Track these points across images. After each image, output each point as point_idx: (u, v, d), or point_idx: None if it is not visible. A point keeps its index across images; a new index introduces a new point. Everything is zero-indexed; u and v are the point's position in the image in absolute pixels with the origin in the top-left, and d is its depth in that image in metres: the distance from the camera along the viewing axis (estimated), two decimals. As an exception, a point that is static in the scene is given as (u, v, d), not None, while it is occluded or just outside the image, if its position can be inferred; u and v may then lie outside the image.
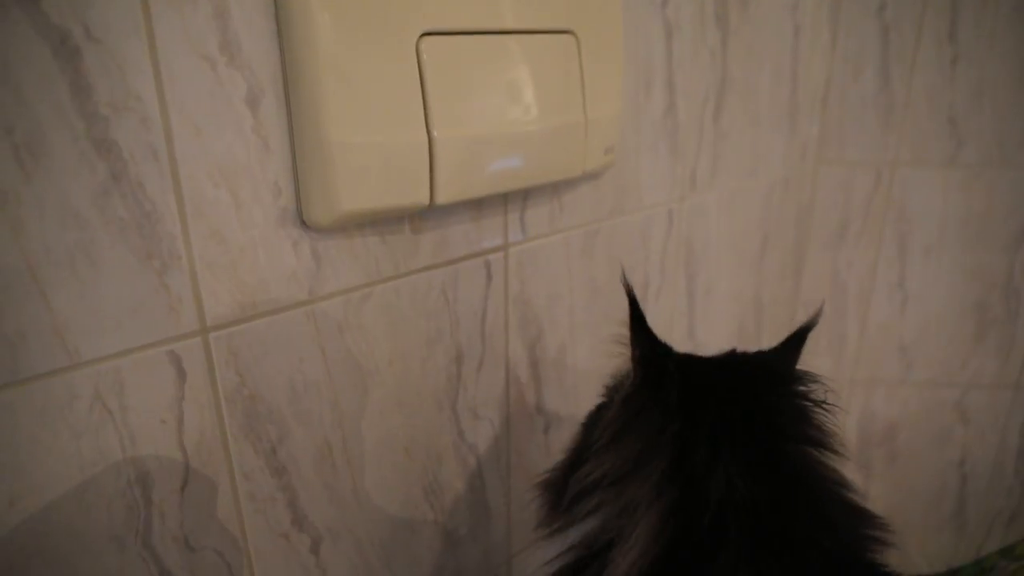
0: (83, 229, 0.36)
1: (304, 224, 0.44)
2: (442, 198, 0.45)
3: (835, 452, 0.46)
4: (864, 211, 1.01)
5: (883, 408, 1.13)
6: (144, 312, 0.39)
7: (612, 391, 0.51)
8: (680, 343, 0.78)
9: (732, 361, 0.50)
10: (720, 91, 0.74)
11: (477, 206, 0.53)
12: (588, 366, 0.68)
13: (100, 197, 0.36)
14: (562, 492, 0.48)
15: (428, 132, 0.43)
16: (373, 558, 0.55)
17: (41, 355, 0.36)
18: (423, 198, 0.45)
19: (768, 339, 1.01)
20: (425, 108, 0.43)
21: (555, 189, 0.58)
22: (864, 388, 1.12)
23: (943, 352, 1.09)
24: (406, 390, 0.53)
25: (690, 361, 0.49)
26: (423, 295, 0.52)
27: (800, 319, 1.08)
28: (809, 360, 1.07)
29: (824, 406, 0.47)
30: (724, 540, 0.40)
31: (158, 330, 0.39)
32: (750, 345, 0.96)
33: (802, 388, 0.47)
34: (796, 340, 0.49)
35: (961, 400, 1.12)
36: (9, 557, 0.37)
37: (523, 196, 0.56)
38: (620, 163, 0.64)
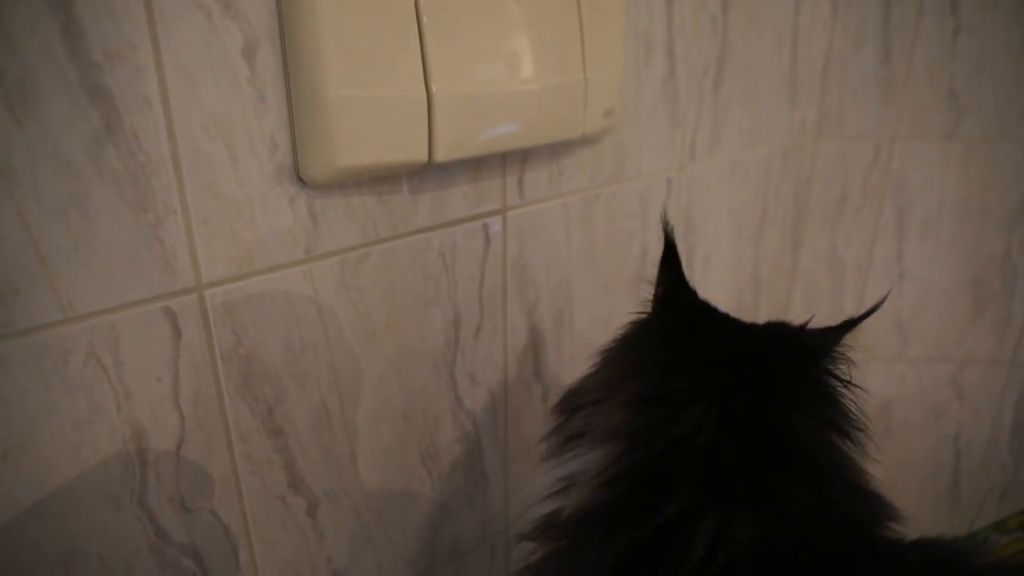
0: (76, 179, 0.35)
1: (301, 181, 0.43)
2: (440, 155, 0.45)
3: (850, 437, 0.43)
4: (863, 186, 1.00)
5: (879, 384, 1.13)
6: (139, 267, 0.38)
7: None
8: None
9: (766, 327, 0.48)
10: (720, 61, 0.73)
11: (475, 168, 0.52)
12: (587, 334, 0.68)
13: (93, 147, 0.35)
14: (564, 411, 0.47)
15: (427, 88, 0.43)
16: (370, 522, 0.55)
17: (35, 308, 0.35)
18: (421, 155, 0.44)
19: (766, 314, 1.00)
20: (424, 64, 0.43)
21: (553, 153, 0.58)
22: (861, 363, 1.12)
23: (939, 328, 1.09)
24: (404, 353, 0.53)
25: (714, 312, 0.48)
26: (421, 257, 0.51)
27: (798, 294, 1.08)
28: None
29: (850, 386, 0.45)
30: (684, 477, 0.38)
31: (153, 286, 0.39)
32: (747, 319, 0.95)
33: (829, 365, 0.45)
34: (847, 325, 0.47)
35: (957, 376, 1.12)
36: (2, 511, 0.36)
37: (521, 159, 0.55)
38: (619, 129, 0.63)
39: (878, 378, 1.12)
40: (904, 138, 0.97)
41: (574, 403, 0.46)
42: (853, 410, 0.44)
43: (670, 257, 0.45)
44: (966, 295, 1.06)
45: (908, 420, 1.15)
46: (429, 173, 0.49)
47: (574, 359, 0.67)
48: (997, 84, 0.93)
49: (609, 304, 0.69)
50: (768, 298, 0.99)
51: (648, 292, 0.48)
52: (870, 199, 1.01)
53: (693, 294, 0.47)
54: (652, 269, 0.73)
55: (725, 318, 0.48)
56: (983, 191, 0.99)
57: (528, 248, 0.59)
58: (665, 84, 0.67)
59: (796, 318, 0.99)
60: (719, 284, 0.87)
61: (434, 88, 0.43)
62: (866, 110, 0.96)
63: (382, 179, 0.47)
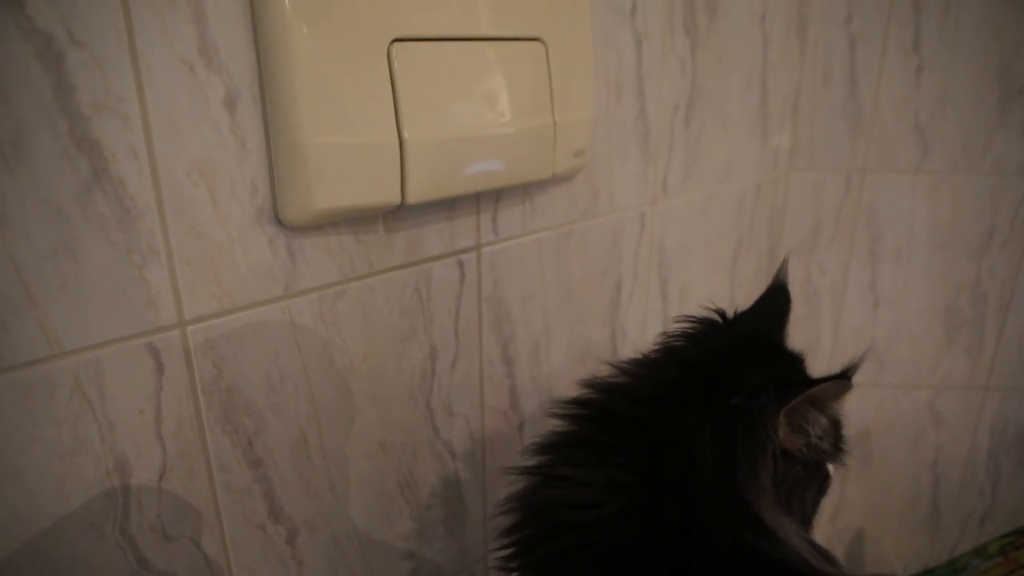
0: (65, 224, 0.37)
1: (279, 222, 0.45)
2: (413, 198, 0.47)
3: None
4: (835, 217, 1.03)
5: (857, 411, 1.15)
6: (124, 305, 0.40)
7: None
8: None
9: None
10: (690, 98, 0.76)
11: (449, 207, 0.55)
12: (562, 366, 0.70)
13: (82, 193, 0.37)
14: None
15: (399, 134, 0.45)
16: (349, 551, 0.57)
17: (23, 344, 0.37)
18: (394, 198, 0.47)
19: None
20: (396, 111, 0.45)
21: (526, 191, 0.60)
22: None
23: (915, 355, 1.11)
24: (381, 385, 0.54)
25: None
26: (397, 293, 0.53)
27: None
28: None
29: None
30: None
31: (137, 323, 0.41)
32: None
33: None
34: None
35: (933, 402, 1.14)
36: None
37: (495, 197, 0.58)
38: (591, 166, 0.66)
39: (856, 405, 1.14)
40: (874, 170, 1.00)
41: None
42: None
43: None
44: (939, 322, 1.09)
45: (886, 447, 1.17)
46: (404, 213, 0.52)
47: (550, 390, 0.69)
48: (960, 118, 0.96)
49: (585, 336, 0.72)
50: (745, 327, 1.02)
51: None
52: (843, 229, 1.04)
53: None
54: (626, 302, 0.75)
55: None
56: (952, 221, 1.02)
57: (503, 283, 0.61)
58: (636, 122, 0.69)
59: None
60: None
61: (406, 134, 0.45)
62: (836, 143, 0.99)
63: (358, 219, 0.49)
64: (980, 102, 0.95)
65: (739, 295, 0.97)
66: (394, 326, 0.54)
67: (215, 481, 0.47)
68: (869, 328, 1.09)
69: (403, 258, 0.53)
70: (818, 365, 1.13)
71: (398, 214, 0.51)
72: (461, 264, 0.57)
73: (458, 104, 0.48)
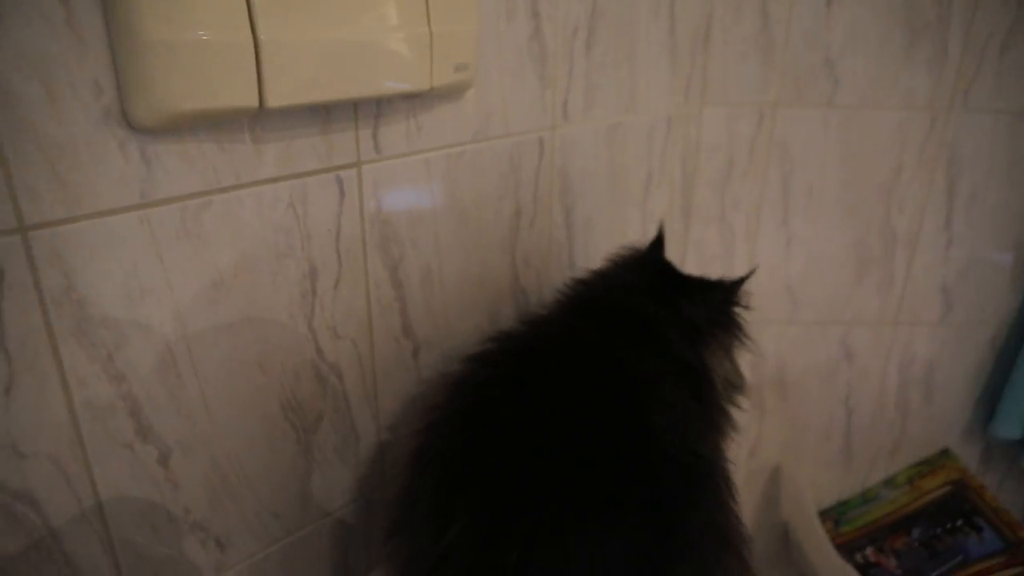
0: None
1: (130, 125, 0.43)
2: (273, 102, 0.45)
3: None
4: (748, 151, 1.04)
5: (773, 347, 1.17)
6: (-49, 206, 0.38)
7: None
8: (559, 272, 0.80)
9: None
10: (591, 22, 0.75)
11: (324, 120, 0.53)
12: (458, 291, 0.69)
13: None
14: None
15: (253, 31, 0.43)
16: (230, 474, 0.56)
17: None
18: (251, 101, 0.45)
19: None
20: (249, 8, 0.43)
21: (411, 108, 0.59)
22: (754, 328, 1.16)
23: (828, 291, 1.13)
24: (255, 304, 0.53)
25: None
26: (269, 207, 0.52)
27: (691, 259, 1.11)
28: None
29: None
30: None
31: (-32, 226, 0.39)
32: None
33: None
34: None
35: (845, 338, 1.17)
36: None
37: (375, 113, 0.56)
38: (482, 87, 0.64)
39: (771, 342, 1.16)
40: (786, 104, 1.00)
41: None
42: None
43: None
44: (851, 259, 1.11)
45: (801, 382, 1.20)
46: (271, 123, 0.50)
47: (446, 315, 0.69)
48: (869, 53, 0.97)
49: (481, 262, 0.71)
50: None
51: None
52: (755, 164, 1.05)
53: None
54: (526, 229, 0.75)
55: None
56: (861, 156, 1.03)
57: (388, 203, 0.60)
58: (531, 43, 0.68)
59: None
60: (605, 247, 0.89)
61: (261, 33, 0.43)
62: (748, 77, 1.00)
63: (221, 126, 0.47)
64: (888, 37, 0.96)
65: (650, 229, 0.97)
66: (268, 241, 0.52)
67: (72, 397, 0.45)
68: (783, 264, 1.11)
69: (274, 171, 0.51)
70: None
71: (264, 123, 0.50)
72: (340, 181, 0.56)
73: (320, 4, 0.46)
